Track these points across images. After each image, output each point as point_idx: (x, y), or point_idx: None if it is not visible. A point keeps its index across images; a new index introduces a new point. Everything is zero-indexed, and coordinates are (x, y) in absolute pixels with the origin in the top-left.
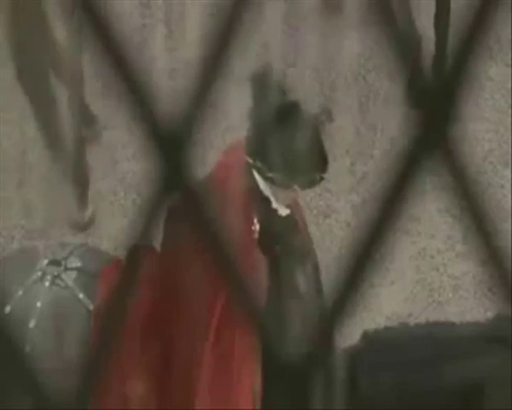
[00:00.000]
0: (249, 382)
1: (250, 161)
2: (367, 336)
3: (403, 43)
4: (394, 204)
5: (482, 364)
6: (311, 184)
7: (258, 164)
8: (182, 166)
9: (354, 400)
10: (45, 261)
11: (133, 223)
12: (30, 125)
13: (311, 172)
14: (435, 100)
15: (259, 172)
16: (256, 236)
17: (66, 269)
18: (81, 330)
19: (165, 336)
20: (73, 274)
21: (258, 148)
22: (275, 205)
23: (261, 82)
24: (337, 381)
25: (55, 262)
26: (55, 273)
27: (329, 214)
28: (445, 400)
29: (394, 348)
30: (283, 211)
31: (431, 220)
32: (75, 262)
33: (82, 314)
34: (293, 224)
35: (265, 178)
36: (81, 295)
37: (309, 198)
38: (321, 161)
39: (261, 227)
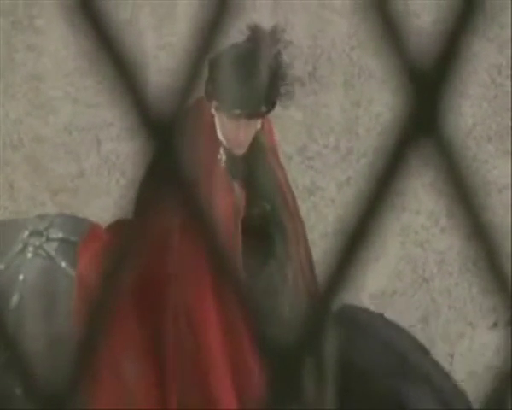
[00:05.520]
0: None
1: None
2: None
3: (390, 20)
4: (382, 181)
5: None
6: (253, 110)
7: (209, 89)
8: (171, 147)
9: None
10: (26, 233)
11: (121, 204)
12: (14, 105)
13: (254, 100)
14: (425, 79)
15: (208, 97)
16: (223, 165)
17: (48, 240)
18: (66, 298)
19: (154, 312)
20: (55, 244)
21: (210, 78)
22: (225, 144)
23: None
24: (327, 355)
25: (36, 233)
26: (37, 244)
27: (314, 192)
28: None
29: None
30: (237, 151)
31: (415, 196)
32: (56, 233)
33: (65, 283)
34: (253, 166)
35: (214, 107)
36: (64, 264)
37: (293, 175)
38: (267, 93)
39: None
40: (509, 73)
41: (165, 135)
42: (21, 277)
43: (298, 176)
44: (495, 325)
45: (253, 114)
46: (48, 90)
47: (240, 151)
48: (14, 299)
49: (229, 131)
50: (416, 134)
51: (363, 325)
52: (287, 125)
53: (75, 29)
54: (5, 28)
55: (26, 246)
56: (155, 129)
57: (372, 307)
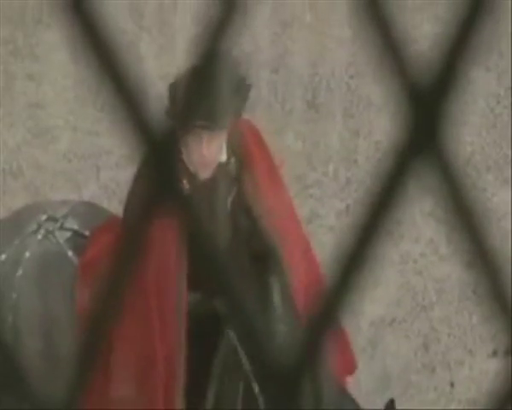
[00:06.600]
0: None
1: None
2: None
3: (389, 48)
4: (381, 209)
5: None
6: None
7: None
8: (171, 173)
9: None
10: (44, 217)
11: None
12: (13, 133)
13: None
14: (422, 103)
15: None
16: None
17: (62, 228)
18: (65, 283)
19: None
20: (67, 234)
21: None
22: (191, 166)
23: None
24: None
25: (53, 218)
26: (50, 229)
27: (312, 220)
28: None
29: None
30: (203, 173)
31: (414, 224)
32: (72, 224)
33: (68, 269)
34: (217, 191)
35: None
36: (70, 253)
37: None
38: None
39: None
40: (508, 102)
41: (164, 163)
42: (27, 254)
43: (297, 204)
44: (494, 353)
45: (212, 126)
46: (47, 118)
47: (205, 173)
48: (19, 272)
49: (193, 150)
50: (415, 161)
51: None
52: (286, 154)
53: (75, 58)
54: (5, 56)
55: (39, 228)
56: (154, 157)
57: (371, 335)
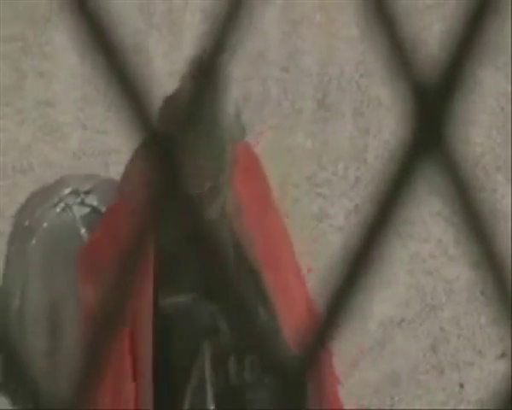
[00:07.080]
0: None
1: None
2: None
3: (397, 47)
4: (390, 208)
5: None
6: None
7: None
8: (176, 173)
9: None
10: (67, 190)
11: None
12: (23, 130)
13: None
14: (430, 103)
15: None
16: None
17: (82, 204)
18: (72, 261)
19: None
20: (85, 210)
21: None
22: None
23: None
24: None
25: (75, 193)
26: (70, 203)
27: (322, 219)
28: None
29: None
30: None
31: (423, 224)
32: (92, 200)
33: (77, 246)
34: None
35: None
36: (83, 231)
37: (302, 203)
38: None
39: None
40: None
41: (171, 161)
42: (45, 225)
43: (306, 203)
44: (503, 354)
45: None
46: (57, 115)
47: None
48: (33, 241)
49: None
50: (423, 161)
51: None
52: (295, 153)
53: (83, 56)
54: (15, 54)
55: (60, 201)
56: (161, 155)
57: (380, 335)
